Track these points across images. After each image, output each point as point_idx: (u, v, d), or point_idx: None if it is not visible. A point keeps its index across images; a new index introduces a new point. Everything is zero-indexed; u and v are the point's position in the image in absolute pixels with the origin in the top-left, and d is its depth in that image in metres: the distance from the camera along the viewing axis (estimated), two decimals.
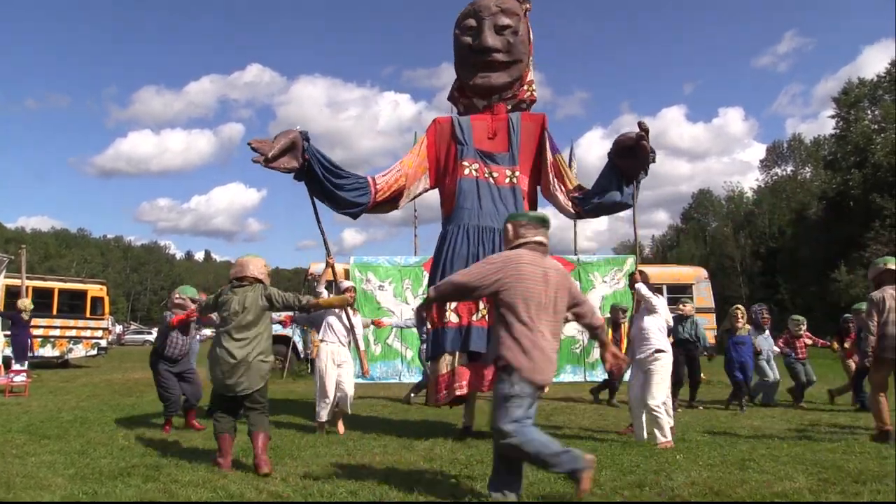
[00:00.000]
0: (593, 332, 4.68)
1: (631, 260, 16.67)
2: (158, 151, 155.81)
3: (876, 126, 38.31)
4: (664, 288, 17.18)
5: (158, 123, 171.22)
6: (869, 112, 39.89)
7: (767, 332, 11.65)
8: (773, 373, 11.20)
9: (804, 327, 11.76)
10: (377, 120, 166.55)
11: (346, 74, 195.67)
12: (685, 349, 10.93)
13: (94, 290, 21.00)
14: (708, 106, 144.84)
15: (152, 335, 52.61)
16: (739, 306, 11.39)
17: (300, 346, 16.08)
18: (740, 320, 11.00)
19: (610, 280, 15.76)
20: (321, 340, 7.93)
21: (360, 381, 14.07)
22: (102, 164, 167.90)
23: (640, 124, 7.39)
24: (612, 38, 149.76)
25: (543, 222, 4.55)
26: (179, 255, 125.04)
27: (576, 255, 16.67)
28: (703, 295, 16.00)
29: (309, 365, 15.62)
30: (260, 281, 5.77)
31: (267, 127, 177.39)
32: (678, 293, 17.08)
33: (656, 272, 18.36)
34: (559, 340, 4.46)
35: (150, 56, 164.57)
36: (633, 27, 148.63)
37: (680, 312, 11.14)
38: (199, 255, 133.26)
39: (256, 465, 5.32)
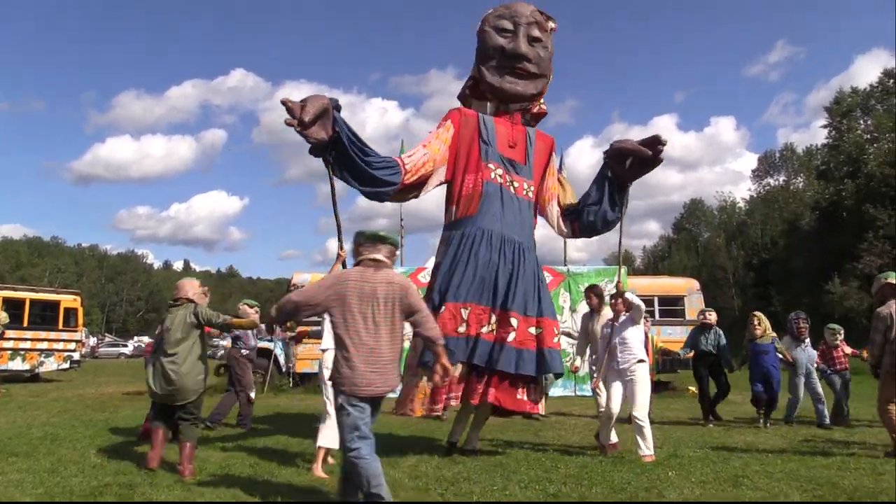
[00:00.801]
0: (428, 343, 4.84)
1: (622, 271, 16.51)
2: (138, 157, 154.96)
3: (868, 136, 38.41)
4: (655, 299, 16.99)
5: (138, 129, 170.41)
6: (861, 122, 40.03)
7: (808, 343, 10.67)
8: (814, 389, 10.28)
9: (841, 336, 10.90)
10: (364, 127, 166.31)
11: (333, 80, 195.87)
12: (707, 362, 10.61)
13: (68, 300, 20.52)
14: (699, 115, 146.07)
15: (128, 348, 51.93)
16: (757, 312, 10.71)
17: (282, 360, 15.75)
18: (757, 328, 10.17)
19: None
20: (323, 350, 6.84)
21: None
22: (80, 169, 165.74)
23: (658, 138, 7.44)
24: (602, 46, 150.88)
25: (382, 240, 4.79)
26: (157, 264, 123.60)
27: (566, 266, 16.44)
28: (695, 307, 15.73)
29: (291, 379, 15.33)
30: (191, 301, 6.20)
31: (250, 133, 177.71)
32: (670, 305, 16.90)
33: (647, 283, 18.18)
34: (396, 350, 4.63)
35: (131, 60, 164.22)
36: (625, 35, 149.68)
37: (703, 321, 10.83)
38: (178, 265, 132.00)
39: (180, 471, 5.73)
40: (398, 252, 5.47)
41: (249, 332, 9.38)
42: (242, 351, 9.61)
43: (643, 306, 7.33)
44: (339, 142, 6.52)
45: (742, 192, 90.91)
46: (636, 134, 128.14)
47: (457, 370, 7.03)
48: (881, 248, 32.60)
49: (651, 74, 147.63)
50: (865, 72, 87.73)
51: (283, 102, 6.21)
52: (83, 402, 12.84)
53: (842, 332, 11.05)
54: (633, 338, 7.21)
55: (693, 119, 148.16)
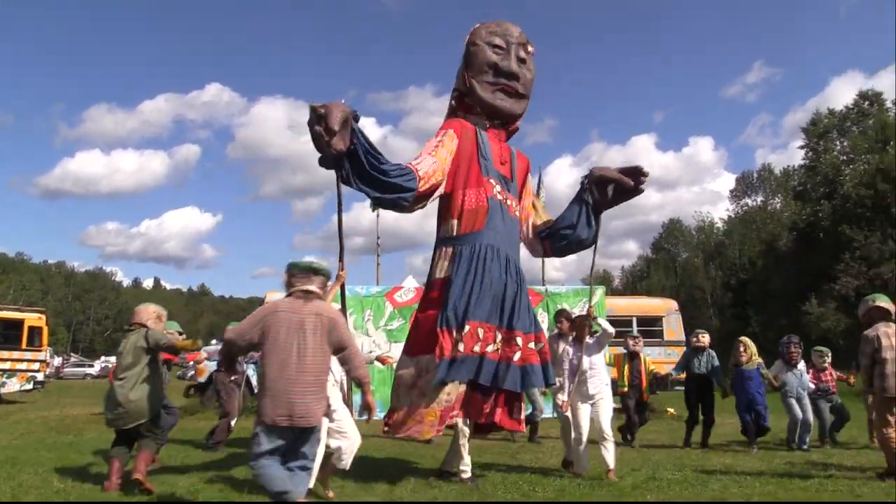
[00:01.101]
0: (354, 380, 5.02)
1: (600, 291, 16.42)
2: (108, 172, 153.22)
3: (845, 157, 38.84)
4: (634, 320, 16.93)
5: (109, 143, 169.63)
6: (838, 143, 40.48)
7: (802, 367, 10.46)
8: (802, 412, 9.99)
9: (828, 359, 10.88)
10: None
11: (309, 96, 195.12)
12: (698, 385, 10.35)
13: (32, 319, 19.91)
14: (678, 135, 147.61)
15: (94, 368, 50.90)
16: (744, 338, 10.34)
17: (254, 381, 15.40)
18: (743, 354, 9.95)
19: (579, 311, 15.41)
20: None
21: None
22: (47, 184, 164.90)
23: (640, 169, 7.56)
24: (581, 65, 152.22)
25: (315, 271, 4.98)
26: (127, 282, 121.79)
27: (544, 285, 16.34)
28: (674, 327, 15.74)
29: None
30: (144, 325, 6.32)
31: (224, 149, 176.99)
32: (648, 325, 16.84)
33: (626, 304, 18.15)
34: (322, 382, 4.78)
35: (103, 72, 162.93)
36: (603, 54, 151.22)
37: (696, 344, 10.58)
38: (148, 283, 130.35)
39: (132, 471, 6.08)
40: (330, 282, 5.53)
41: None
42: (230, 377, 9.52)
43: (612, 332, 7.46)
44: (355, 153, 6.30)
45: (720, 212, 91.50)
46: (615, 153, 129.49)
47: (461, 389, 6.82)
48: (857, 269, 32.85)
49: (630, 94, 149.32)
50: (841, 94, 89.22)
51: (314, 108, 5.95)
52: (46, 424, 12.51)
53: (829, 354, 10.98)
54: (600, 363, 7.49)
55: (672, 139, 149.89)
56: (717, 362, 10.41)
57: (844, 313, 32.08)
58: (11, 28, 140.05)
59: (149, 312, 6.54)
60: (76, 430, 11.35)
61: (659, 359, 12.60)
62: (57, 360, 50.62)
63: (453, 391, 6.73)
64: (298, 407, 4.52)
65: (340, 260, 6.47)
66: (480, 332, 6.90)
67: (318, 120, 5.93)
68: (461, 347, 6.74)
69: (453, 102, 8.14)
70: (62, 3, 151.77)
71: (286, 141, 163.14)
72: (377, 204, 7.27)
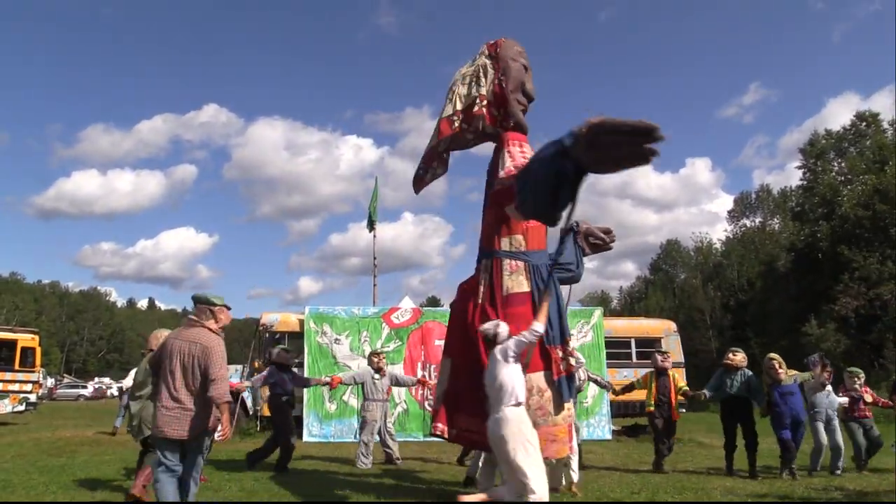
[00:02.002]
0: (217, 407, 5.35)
1: (598, 312, 16.33)
2: (104, 192, 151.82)
3: (842, 178, 38.88)
4: (632, 341, 16.80)
5: (105, 163, 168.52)
6: (835, 164, 40.56)
7: (829, 387, 9.86)
8: (832, 436, 9.56)
9: (862, 380, 10.25)
10: (338, 164, 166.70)
11: (307, 117, 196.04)
12: (733, 407, 9.59)
13: (25, 339, 19.65)
14: (675, 156, 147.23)
15: (88, 389, 50.48)
16: (774, 355, 9.66)
17: (249, 403, 15.26)
18: (780, 370, 9.33)
19: (577, 333, 15.33)
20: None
21: (313, 440, 13.52)
22: (42, 204, 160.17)
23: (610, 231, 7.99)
24: (577, 85, 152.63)
25: (207, 302, 5.62)
26: (121, 302, 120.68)
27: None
28: (673, 349, 15.56)
29: (258, 422, 14.85)
30: (153, 350, 6.55)
31: (221, 169, 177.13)
32: (647, 347, 16.69)
33: (624, 325, 18.02)
34: (201, 401, 5.31)
35: (100, 93, 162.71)
36: (597, 74, 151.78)
37: (728, 363, 9.75)
38: (143, 303, 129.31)
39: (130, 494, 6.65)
40: (226, 315, 5.82)
41: (285, 377, 9.76)
42: (282, 398, 9.67)
43: (584, 361, 8.08)
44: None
45: (718, 233, 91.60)
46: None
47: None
48: (857, 289, 32.74)
49: (626, 114, 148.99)
50: (837, 115, 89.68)
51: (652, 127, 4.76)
52: (39, 446, 12.29)
53: (862, 375, 10.40)
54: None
55: (669, 160, 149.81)
56: (754, 382, 9.58)
57: (844, 334, 31.97)
58: (7, 48, 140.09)
59: (157, 338, 6.91)
60: (69, 453, 11.17)
61: None
62: (50, 382, 50.31)
63: (570, 407, 6.83)
64: (177, 422, 5.22)
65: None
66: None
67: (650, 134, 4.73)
68: (563, 366, 6.73)
69: (483, 110, 7.65)
70: (59, 24, 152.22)
71: (283, 161, 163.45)
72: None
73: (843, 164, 39.83)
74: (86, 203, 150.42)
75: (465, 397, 6.71)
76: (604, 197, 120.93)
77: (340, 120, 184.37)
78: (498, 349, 5.90)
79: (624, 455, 11.49)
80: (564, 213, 5.60)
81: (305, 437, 13.75)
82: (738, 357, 9.78)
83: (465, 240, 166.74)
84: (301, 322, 15.13)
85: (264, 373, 10.11)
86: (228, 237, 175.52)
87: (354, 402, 13.98)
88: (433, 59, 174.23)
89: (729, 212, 59.13)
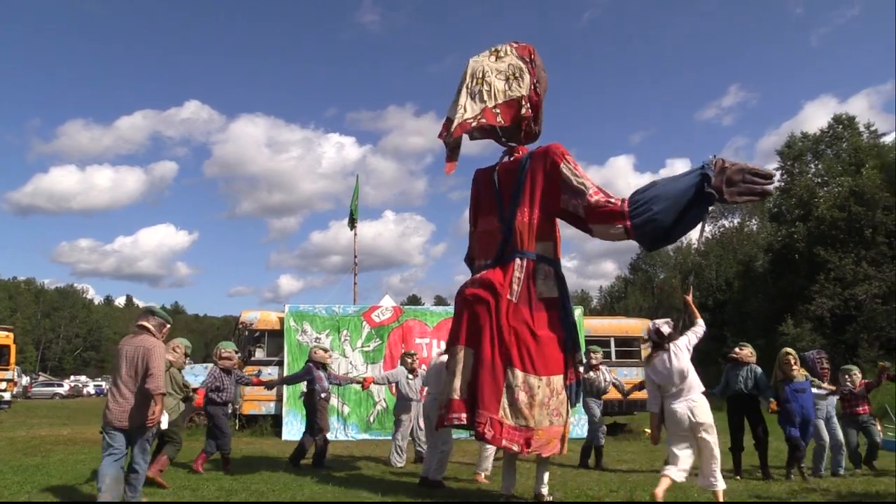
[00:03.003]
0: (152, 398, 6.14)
1: (578, 311, 16.37)
2: (82, 189, 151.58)
3: (819, 180, 39.26)
4: (612, 340, 16.87)
5: (84, 159, 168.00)
6: (812, 166, 40.96)
7: (801, 383, 9.23)
8: (834, 435, 9.43)
9: (856, 377, 9.94)
10: (319, 162, 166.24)
11: (289, 115, 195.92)
12: (740, 404, 9.28)
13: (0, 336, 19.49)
14: (655, 156, 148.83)
15: (63, 387, 49.93)
16: (791, 350, 9.40)
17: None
18: (794, 367, 9.06)
19: None
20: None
21: (293, 438, 13.43)
22: (19, 200, 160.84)
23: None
24: (559, 87, 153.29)
25: (152, 313, 6.64)
26: (98, 299, 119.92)
27: None
28: (598, 349, 15.65)
29: (237, 421, 14.77)
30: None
31: (201, 166, 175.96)
32: (625, 346, 16.80)
33: (604, 324, 18.08)
34: (142, 394, 6.15)
35: (79, 88, 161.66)
36: (581, 77, 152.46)
37: (734, 357, 9.44)
38: (121, 300, 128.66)
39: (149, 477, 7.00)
40: (168, 325, 6.71)
41: (322, 374, 10.03)
42: (320, 395, 9.93)
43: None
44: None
45: (696, 232, 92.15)
46: (593, 174, 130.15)
47: None
48: (832, 290, 33.10)
49: (607, 116, 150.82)
50: (814, 118, 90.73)
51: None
52: (13, 445, 12.14)
53: (857, 371, 10.11)
54: None
55: (649, 160, 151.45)
56: (762, 378, 9.24)
57: (820, 334, 32.30)
58: None
59: (168, 348, 7.83)
60: (43, 452, 11.03)
61: (636, 379, 12.47)
62: (25, 380, 49.65)
63: (572, 412, 7.11)
64: (122, 413, 6.12)
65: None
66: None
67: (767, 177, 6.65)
68: (573, 373, 7.14)
69: (529, 113, 7.75)
70: (39, 17, 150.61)
71: (265, 159, 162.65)
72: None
73: (819, 167, 40.21)
74: (63, 199, 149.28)
75: (488, 391, 6.77)
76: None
77: (322, 118, 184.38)
78: (681, 343, 6.73)
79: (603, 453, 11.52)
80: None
81: (285, 436, 13.70)
82: (746, 351, 9.44)
83: (446, 239, 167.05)
84: (281, 320, 15.07)
85: (301, 371, 10.50)
86: (208, 234, 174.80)
87: (335, 401, 13.94)
88: (416, 57, 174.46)
89: (708, 212, 59.43)
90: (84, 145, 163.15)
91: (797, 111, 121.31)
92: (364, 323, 15.12)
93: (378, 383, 11.27)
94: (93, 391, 55.40)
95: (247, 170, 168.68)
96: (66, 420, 20.00)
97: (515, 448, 6.72)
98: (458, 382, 7.00)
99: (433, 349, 14.52)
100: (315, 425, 9.84)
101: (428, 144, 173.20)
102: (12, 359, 19.87)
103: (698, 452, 6.46)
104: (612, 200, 6.86)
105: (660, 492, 6.15)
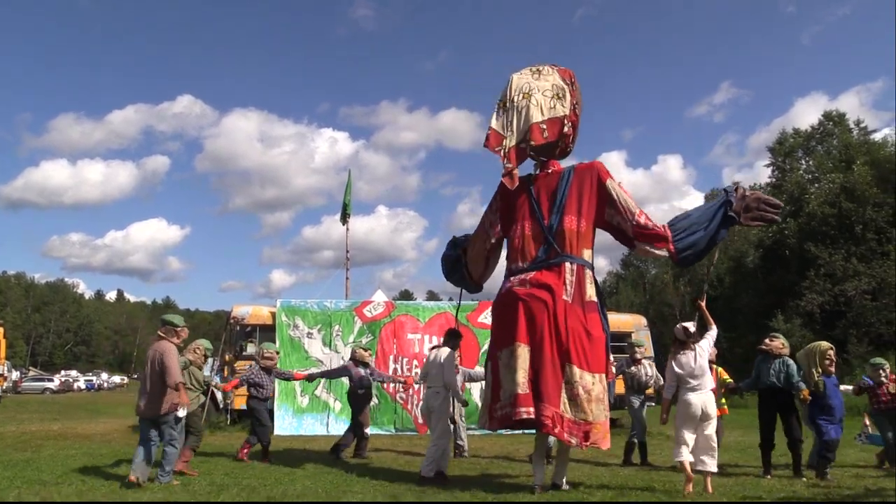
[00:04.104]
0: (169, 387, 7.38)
1: None
2: (74, 183, 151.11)
3: (810, 176, 39.46)
4: None
5: (75, 153, 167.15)
6: (803, 162, 41.14)
7: (835, 379, 8.93)
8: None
9: (886, 371, 9.49)
10: (312, 157, 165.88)
11: (282, 110, 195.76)
12: (771, 398, 8.77)
13: None
14: (648, 153, 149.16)
15: (54, 382, 49.71)
16: (831, 345, 8.95)
17: (219, 396, 15.10)
18: (831, 361, 8.74)
19: None
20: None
21: (285, 433, 13.45)
22: (9, 194, 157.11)
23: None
24: None
25: (162, 323, 7.85)
26: (89, 294, 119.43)
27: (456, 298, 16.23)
28: (644, 343, 15.66)
29: (228, 416, 14.73)
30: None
31: (193, 160, 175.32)
32: (618, 341, 16.80)
33: None
34: (156, 389, 7.38)
35: (71, 82, 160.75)
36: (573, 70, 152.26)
37: (765, 350, 8.96)
38: (111, 295, 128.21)
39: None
40: (179, 327, 7.75)
41: (362, 371, 10.74)
42: (359, 391, 10.65)
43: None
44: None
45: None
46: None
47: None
48: (822, 286, 33.28)
49: (600, 111, 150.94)
50: (804, 115, 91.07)
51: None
52: (3, 440, 12.08)
53: (887, 366, 9.67)
54: None
55: (641, 157, 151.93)
56: (794, 373, 8.67)
57: (810, 329, 32.47)
58: None
59: (190, 349, 8.90)
60: (34, 447, 10.99)
61: None
62: (15, 374, 49.37)
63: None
64: (146, 407, 7.41)
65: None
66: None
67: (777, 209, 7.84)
68: (611, 372, 7.78)
69: (571, 133, 8.26)
70: (31, 11, 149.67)
71: (257, 154, 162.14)
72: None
73: (810, 163, 40.43)
74: (55, 193, 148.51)
75: (551, 386, 7.15)
76: None
77: (315, 113, 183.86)
78: (703, 344, 7.53)
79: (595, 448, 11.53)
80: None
81: (277, 431, 13.66)
82: (777, 343, 8.96)
83: (439, 234, 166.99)
84: (273, 315, 15.03)
85: (339, 366, 11.37)
86: (200, 229, 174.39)
87: (327, 396, 13.96)
88: (409, 53, 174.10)
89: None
90: (75, 139, 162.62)
91: (788, 108, 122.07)
92: (356, 318, 15.09)
93: (418, 383, 11.40)
94: (83, 386, 55.15)
95: (239, 164, 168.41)
96: (56, 415, 19.96)
97: (574, 441, 7.07)
98: (521, 377, 7.28)
99: (425, 345, 14.50)
100: (356, 419, 10.56)
101: (421, 140, 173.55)
102: (2, 354, 19.83)
103: (698, 437, 7.27)
104: (658, 225, 7.73)
105: (709, 487, 7.10)
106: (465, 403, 9.59)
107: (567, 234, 7.80)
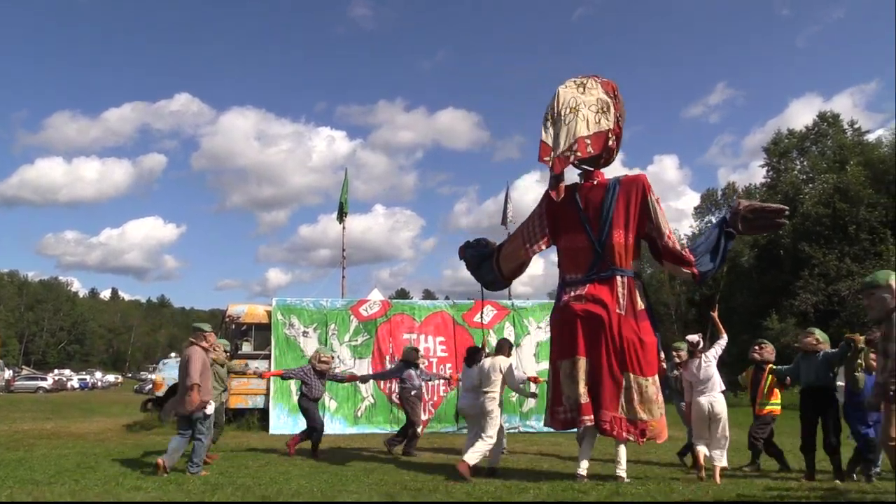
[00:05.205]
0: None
1: None
2: (69, 181, 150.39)
3: (804, 176, 39.55)
4: None
5: (70, 151, 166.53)
6: (798, 163, 41.23)
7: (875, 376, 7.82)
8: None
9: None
10: (310, 156, 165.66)
11: (280, 108, 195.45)
12: (812, 399, 8.20)
13: None
14: (643, 153, 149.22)
15: (47, 381, 49.53)
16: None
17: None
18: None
19: (545, 326, 15.38)
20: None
21: (280, 432, 13.41)
22: (4, 191, 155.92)
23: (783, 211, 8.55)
24: (549, 83, 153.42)
25: (199, 329, 8.69)
26: (83, 292, 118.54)
27: (510, 300, 16.25)
28: (682, 347, 15.73)
29: (224, 415, 14.65)
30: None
31: (189, 159, 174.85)
32: None
33: None
34: (186, 388, 8.20)
35: (68, 80, 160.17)
36: (567, 72, 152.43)
37: (800, 346, 8.60)
38: (106, 293, 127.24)
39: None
40: (206, 332, 8.60)
41: (413, 372, 11.24)
42: (411, 392, 11.10)
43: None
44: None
45: (685, 228, 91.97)
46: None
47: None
48: (816, 285, 33.36)
49: None
50: (799, 115, 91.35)
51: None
52: None
53: None
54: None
55: (637, 157, 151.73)
56: (834, 369, 8.20)
57: (803, 328, 32.53)
58: None
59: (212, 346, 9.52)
60: (26, 446, 10.93)
61: None
62: (7, 373, 49.26)
63: None
64: (176, 404, 8.63)
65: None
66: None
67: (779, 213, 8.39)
68: (662, 371, 8.59)
69: (615, 146, 8.79)
70: (28, 8, 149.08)
71: (254, 152, 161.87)
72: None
73: (805, 164, 40.51)
74: (49, 191, 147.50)
75: (609, 393, 7.97)
76: None
77: (313, 112, 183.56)
78: (710, 353, 8.22)
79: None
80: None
81: (272, 430, 13.65)
82: (810, 339, 8.40)
83: (436, 233, 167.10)
84: (268, 314, 14.97)
85: (393, 367, 12.03)
86: (196, 227, 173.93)
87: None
88: (407, 52, 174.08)
89: (695, 208, 59.68)
90: (71, 137, 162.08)
91: (783, 109, 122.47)
92: (352, 317, 15.05)
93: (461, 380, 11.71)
94: (77, 385, 54.92)
95: (236, 163, 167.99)
96: (49, 414, 19.88)
97: (632, 439, 7.92)
98: (582, 388, 8.08)
99: (421, 344, 14.48)
100: (409, 418, 11.05)
101: (419, 139, 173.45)
102: None
103: (710, 434, 8.08)
104: (684, 251, 8.56)
105: (717, 478, 7.68)
106: (534, 396, 10.40)
107: (616, 248, 8.40)
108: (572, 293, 8.52)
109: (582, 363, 8.14)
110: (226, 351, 10.81)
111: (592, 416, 7.98)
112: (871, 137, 39.74)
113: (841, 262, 33.32)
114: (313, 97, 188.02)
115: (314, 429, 10.56)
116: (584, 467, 7.93)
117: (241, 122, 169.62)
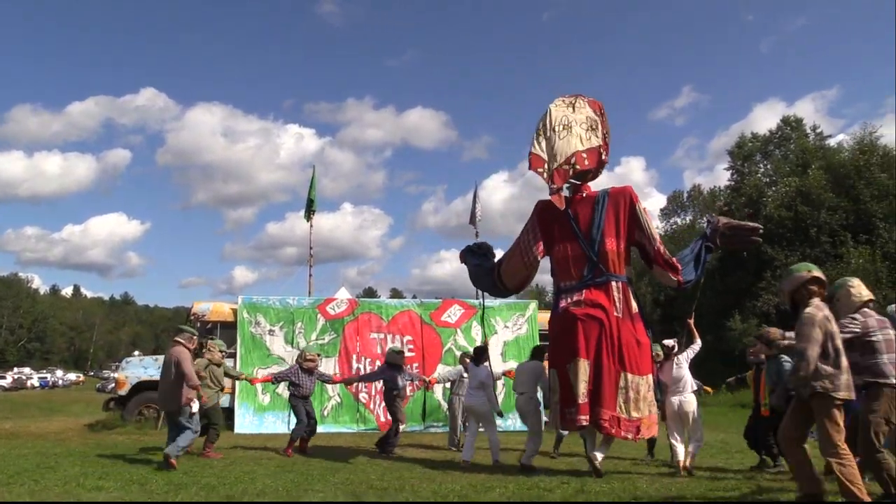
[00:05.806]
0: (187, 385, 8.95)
1: (533, 305, 16.48)
2: (30, 175, 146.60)
3: (767, 179, 40.14)
4: None
5: (32, 145, 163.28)
6: (761, 166, 41.86)
7: None
8: None
9: None
10: (277, 153, 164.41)
11: (247, 105, 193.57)
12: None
13: None
14: (611, 154, 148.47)
15: (6, 380, 48.62)
16: None
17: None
18: None
19: (512, 325, 15.50)
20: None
21: (245, 431, 13.32)
22: None
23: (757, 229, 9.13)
24: (516, 84, 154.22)
25: (178, 331, 9.37)
26: (44, 289, 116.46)
27: (478, 299, 16.27)
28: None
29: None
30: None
31: (154, 154, 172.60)
32: None
33: None
34: (177, 388, 8.86)
35: (29, 72, 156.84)
36: (537, 75, 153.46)
37: (769, 354, 8.87)
38: (68, 290, 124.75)
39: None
40: (195, 336, 9.41)
41: (397, 374, 11.29)
42: (393, 391, 11.21)
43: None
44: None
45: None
46: None
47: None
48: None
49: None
50: (762, 120, 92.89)
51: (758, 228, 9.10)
52: None
53: None
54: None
55: None
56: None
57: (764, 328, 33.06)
58: None
59: (207, 349, 10.59)
60: None
61: None
62: None
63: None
64: (162, 402, 9.43)
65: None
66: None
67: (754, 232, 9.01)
68: (655, 370, 9.09)
69: (606, 160, 9.43)
70: None
71: (221, 148, 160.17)
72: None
73: (768, 167, 41.14)
74: (9, 185, 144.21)
75: (608, 393, 8.34)
76: (542, 192, 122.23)
77: (281, 109, 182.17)
78: (682, 357, 8.93)
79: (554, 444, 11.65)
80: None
81: (237, 429, 13.54)
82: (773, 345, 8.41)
83: (404, 232, 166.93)
84: (234, 312, 14.83)
85: (377, 370, 12.29)
86: (161, 224, 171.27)
87: (287, 394, 13.81)
88: (375, 50, 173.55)
89: (661, 209, 60.43)
90: (33, 131, 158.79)
91: (747, 113, 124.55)
92: (319, 315, 14.97)
93: (439, 383, 13.03)
94: (37, 384, 53.90)
95: (202, 159, 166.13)
96: (8, 413, 19.55)
97: (629, 436, 8.37)
98: (582, 388, 8.42)
99: (388, 343, 14.47)
100: (394, 417, 11.20)
101: (387, 138, 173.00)
102: None
103: (683, 430, 8.80)
104: (673, 258, 9.06)
105: (687, 463, 8.42)
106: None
107: (609, 255, 8.90)
108: (570, 299, 8.94)
109: (582, 364, 8.49)
110: (221, 351, 11.10)
111: (588, 417, 8.34)
112: (832, 142, 40.58)
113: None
114: (281, 94, 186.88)
115: (300, 421, 10.83)
116: (598, 458, 8.33)
117: (207, 118, 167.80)
